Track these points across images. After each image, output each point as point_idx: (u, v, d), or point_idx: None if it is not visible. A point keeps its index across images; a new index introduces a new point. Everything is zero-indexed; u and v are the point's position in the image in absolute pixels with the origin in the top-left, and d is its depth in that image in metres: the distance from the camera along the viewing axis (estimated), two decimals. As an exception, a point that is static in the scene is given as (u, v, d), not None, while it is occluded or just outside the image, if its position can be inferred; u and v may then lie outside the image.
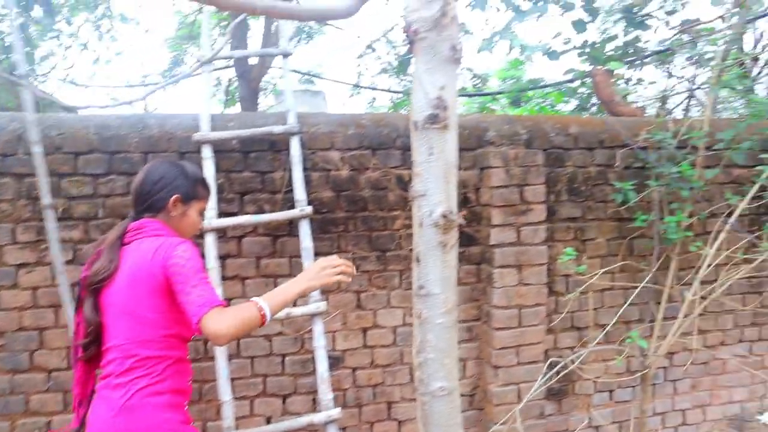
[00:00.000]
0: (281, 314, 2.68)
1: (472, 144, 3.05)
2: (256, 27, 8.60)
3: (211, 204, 2.64)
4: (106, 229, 2.65)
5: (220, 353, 2.61)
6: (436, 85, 1.74)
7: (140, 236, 1.83)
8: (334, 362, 2.95)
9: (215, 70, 9.04)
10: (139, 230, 1.84)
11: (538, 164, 2.98)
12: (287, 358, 2.92)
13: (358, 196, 2.92)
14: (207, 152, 2.73)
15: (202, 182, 2.00)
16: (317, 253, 2.83)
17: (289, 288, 1.79)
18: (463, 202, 3.04)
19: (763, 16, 4.43)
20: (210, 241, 2.67)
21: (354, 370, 3.00)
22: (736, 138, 3.18)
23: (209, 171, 2.69)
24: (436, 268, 1.80)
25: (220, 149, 2.77)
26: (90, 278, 1.81)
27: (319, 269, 1.82)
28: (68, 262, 2.63)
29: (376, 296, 2.98)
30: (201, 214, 2.00)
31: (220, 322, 1.59)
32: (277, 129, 2.79)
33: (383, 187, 2.94)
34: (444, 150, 1.75)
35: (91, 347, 1.82)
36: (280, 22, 3.17)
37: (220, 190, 2.78)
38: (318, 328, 2.69)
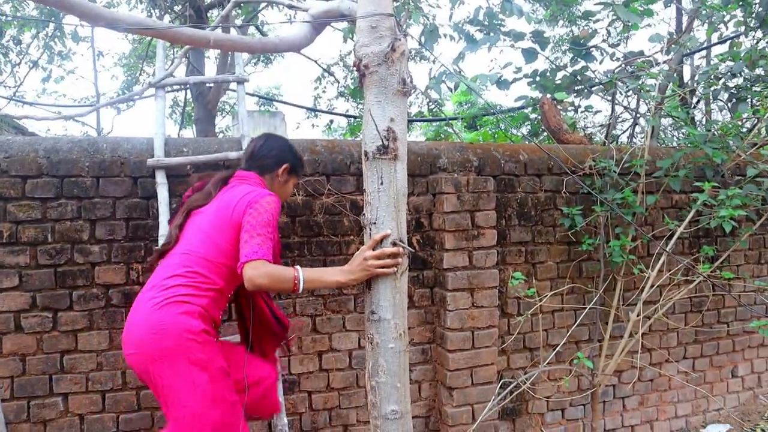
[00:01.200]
0: (237, 338, 2.68)
1: (425, 170, 3.13)
2: (213, 51, 8.60)
3: (163, 230, 2.62)
4: (56, 254, 2.60)
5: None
6: (386, 117, 1.80)
7: (243, 182, 2.17)
8: (290, 386, 2.94)
9: (170, 91, 8.97)
10: (244, 178, 2.21)
11: (489, 190, 3.08)
12: (242, 384, 2.90)
13: (313, 221, 2.94)
14: (161, 178, 2.71)
15: (303, 165, 2.46)
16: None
17: (328, 274, 1.95)
18: (417, 226, 3.11)
19: (698, 50, 4.70)
20: (163, 267, 2.64)
21: (310, 393, 3.00)
22: (674, 166, 3.35)
23: (163, 196, 2.67)
24: (387, 294, 1.85)
25: (174, 174, 2.76)
26: (188, 203, 2.22)
27: (361, 261, 1.85)
28: (14, 288, 2.57)
29: (332, 320, 3.00)
30: (293, 188, 2.45)
31: (258, 271, 1.84)
32: (233, 155, 2.80)
33: (338, 213, 2.97)
34: (394, 180, 1.81)
35: (163, 257, 2.13)
36: (234, 57, 3.20)
37: (174, 215, 2.76)
38: (273, 353, 2.69)
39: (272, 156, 2.29)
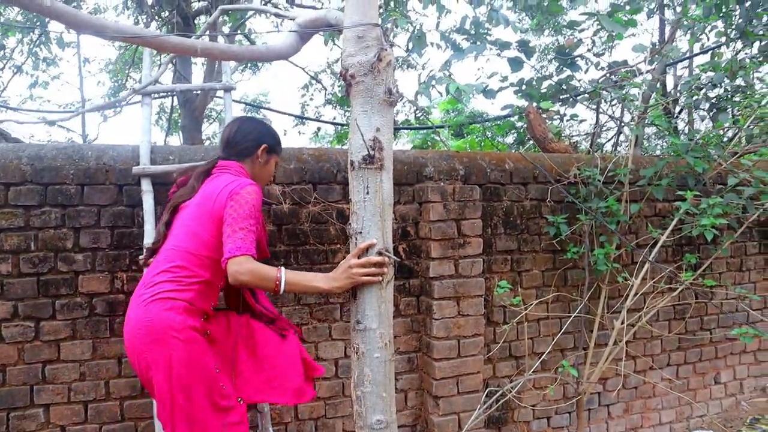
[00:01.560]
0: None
1: (411, 179, 3.14)
2: (200, 58, 8.56)
3: (148, 239, 2.61)
4: (39, 262, 2.57)
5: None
6: (372, 127, 1.81)
7: (225, 172, 2.16)
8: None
9: (157, 98, 8.92)
10: (225, 167, 2.18)
11: (475, 199, 3.09)
12: (227, 394, 2.87)
13: (299, 229, 2.94)
14: (146, 185, 2.70)
15: (280, 142, 2.36)
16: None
17: (312, 280, 1.95)
18: (403, 235, 3.12)
19: (681, 60, 4.78)
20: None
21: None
22: (657, 174, 3.40)
23: (148, 204, 2.66)
24: (373, 303, 1.85)
25: (160, 182, 2.74)
26: (174, 199, 2.21)
27: (346, 269, 1.85)
28: (-4, 298, 2.54)
29: (318, 329, 2.99)
30: (275, 167, 2.38)
31: (241, 267, 1.86)
32: (219, 163, 2.79)
33: (324, 221, 2.97)
34: (380, 189, 1.81)
35: (154, 255, 2.14)
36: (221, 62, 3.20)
37: (161, 213, 2.74)
38: (258, 362, 2.67)
39: (249, 140, 2.26)
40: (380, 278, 1.82)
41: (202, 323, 2.02)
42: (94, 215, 2.68)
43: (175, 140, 10.72)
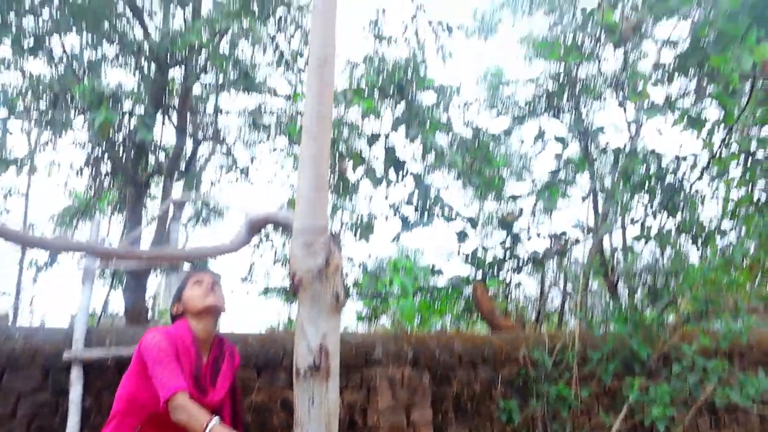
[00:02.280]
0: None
1: (360, 362, 3.05)
2: (152, 211, 8.55)
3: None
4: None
5: None
6: (318, 333, 1.78)
7: None
8: None
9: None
10: None
11: (424, 386, 3.02)
12: None
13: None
14: (77, 372, 2.52)
15: (179, 287, 2.33)
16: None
17: None
18: (350, 425, 2.95)
19: (609, 232, 5.15)
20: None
21: None
22: (604, 356, 3.43)
23: (75, 394, 2.47)
24: None
25: (93, 367, 2.57)
26: None
27: None
28: None
29: None
30: (197, 285, 2.26)
31: (178, 407, 1.91)
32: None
33: (268, 410, 2.81)
34: (325, 401, 1.74)
35: None
36: (170, 227, 3.21)
37: (88, 414, 2.53)
38: None
39: (172, 312, 2.31)
40: None
41: None
42: (11, 404, 2.45)
43: (119, 295, 10.31)
